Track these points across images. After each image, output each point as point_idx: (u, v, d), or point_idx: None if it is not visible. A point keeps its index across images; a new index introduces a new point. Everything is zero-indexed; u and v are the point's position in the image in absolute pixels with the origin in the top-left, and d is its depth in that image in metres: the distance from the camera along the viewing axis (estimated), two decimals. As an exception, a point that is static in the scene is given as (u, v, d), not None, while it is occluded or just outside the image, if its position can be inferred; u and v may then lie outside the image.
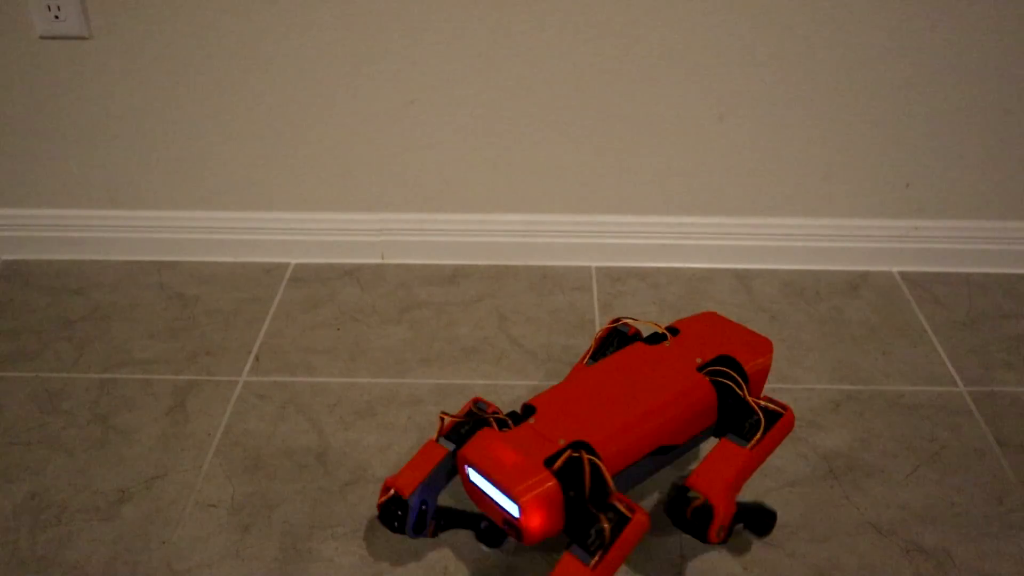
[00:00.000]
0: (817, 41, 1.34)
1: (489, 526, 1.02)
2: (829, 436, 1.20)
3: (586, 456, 0.88)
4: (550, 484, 0.86)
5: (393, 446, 1.19)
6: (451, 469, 0.97)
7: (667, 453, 0.97)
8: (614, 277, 1.53)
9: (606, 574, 0.85)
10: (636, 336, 1.09)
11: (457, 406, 1.26)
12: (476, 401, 1.01)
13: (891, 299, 1.47)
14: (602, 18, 1.33)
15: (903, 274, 1.53)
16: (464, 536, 1.07)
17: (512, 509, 0.87)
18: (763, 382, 1.04)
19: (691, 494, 0.91)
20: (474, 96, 1.40)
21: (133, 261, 1.58)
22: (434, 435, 1.02)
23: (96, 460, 1.18)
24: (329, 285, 1.51)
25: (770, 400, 0.98)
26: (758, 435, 0.93)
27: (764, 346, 1.05)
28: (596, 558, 0.84)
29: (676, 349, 1.04)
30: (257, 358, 1.35)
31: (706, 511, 0.90)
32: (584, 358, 1.08)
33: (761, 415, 0.95)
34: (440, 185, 1.50)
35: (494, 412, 0.99)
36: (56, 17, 1.34)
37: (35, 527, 1.08)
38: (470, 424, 0.98)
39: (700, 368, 1.01)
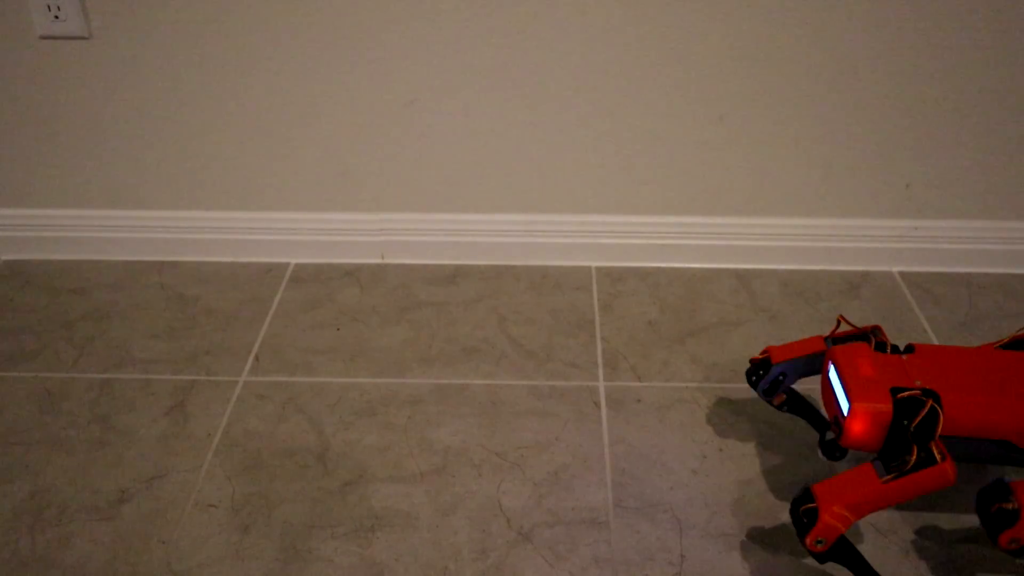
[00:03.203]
0: (817, 42, 1.34)
1: (830, 441, 1.12)
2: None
3: (931, 403, 0.96)
4: (884, 407, 0.97)
5: (393, 446, 1.19)
6: (819, 366, 1.09)
7: (1014, 451, 0.99)
8: (614, 277, 1.53)
9: (890, 497, 0.93)
10: None
11: (457, 406, 1.26)
12: (875, 327, 1.10)
13: (891, 299, 1.47)
14: (602, 18, 1.33)
15: (903, 274, 1.53)
16: (464, 537, 1.07)
17: (845, 409, 0.99)
18: None
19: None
20: (474, 96, 1.40)
21: (133, 261, 1.58)
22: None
23: (96, 460, 1.18)
24: (329, 285, 1.51)
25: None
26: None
27: None
28: (890, 477, 0.93)
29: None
30: (257, 358, 1.35)
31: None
32: (997, 344, 1.12)
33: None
34: (440, 185, 1.50)
35: (882, 340, 1.08)
36: (56, 17, 1.34)
37: (35, 527, 1.08)
38: (855, 337, 1.10)
39: None
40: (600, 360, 1.34)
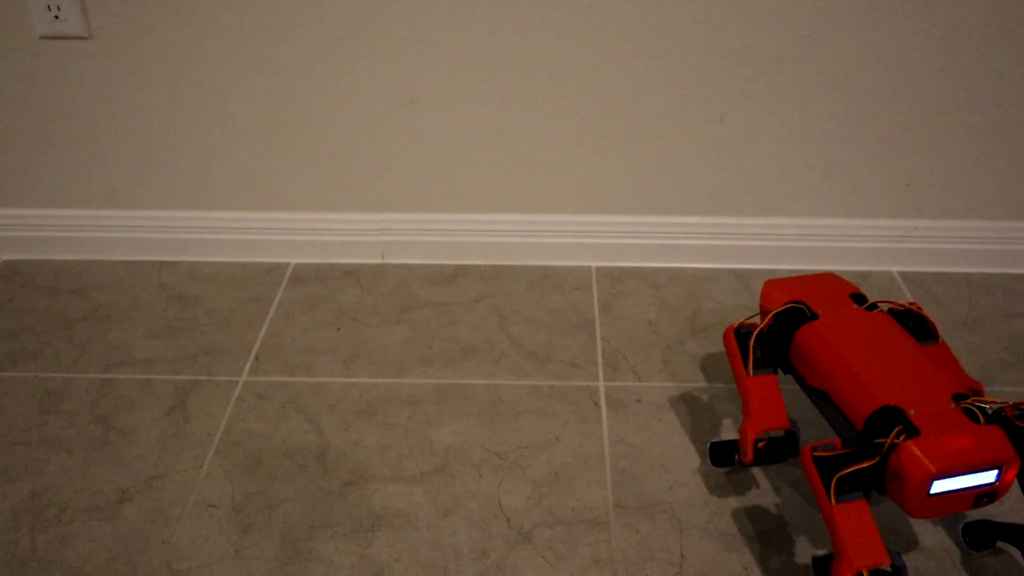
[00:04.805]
0: (817, 41, 1.34)
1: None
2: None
3: (975, 404, 0.94)
4: (1000, 433, 0.91)
5: (393, 446, 1.19)
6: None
7: None
8: (614, 277, 1.53)
9: None
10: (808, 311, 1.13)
11: (458, 406, 1.26)
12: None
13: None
14: (602, 18, 1.33)
15: (903, 274, 1.53)
16: (464, 537, 1.07)
17: (988, 478, 0.91)
18: None
19: None
20: (474, 96, 1.41)
21: (133, 261, 1.58)
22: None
23: (96, 460, 1.18)
24: (329, 285, 1.52)
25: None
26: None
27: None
28: None
29: (876, 314, 1.09)
30: (257, 358, 1.35)
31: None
32: (755, 332, 1.09)
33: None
34: (440, 185, 1.50)
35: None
36: (56, 17, 1.34)
37: (35, 527, 1.08)
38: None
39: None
40: (600, 360, 1.34)
